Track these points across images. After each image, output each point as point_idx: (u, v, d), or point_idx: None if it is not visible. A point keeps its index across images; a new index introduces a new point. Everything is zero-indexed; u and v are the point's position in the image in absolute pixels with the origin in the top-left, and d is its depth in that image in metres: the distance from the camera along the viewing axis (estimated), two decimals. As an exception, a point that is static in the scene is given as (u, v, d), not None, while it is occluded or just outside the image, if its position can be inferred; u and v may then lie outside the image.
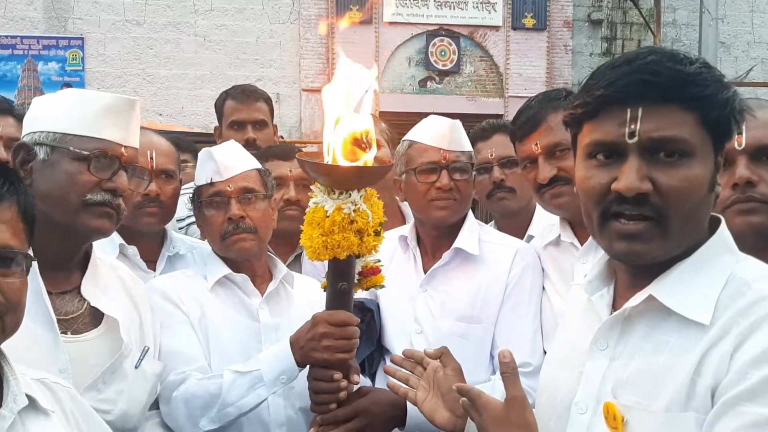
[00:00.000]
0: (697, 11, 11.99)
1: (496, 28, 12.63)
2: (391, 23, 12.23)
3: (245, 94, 3.30)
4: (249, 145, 2.88)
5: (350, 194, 1.67)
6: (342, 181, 1.66)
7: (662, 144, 1.11)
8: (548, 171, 2.00)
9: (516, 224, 2.60)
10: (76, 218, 1.65)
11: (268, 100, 3.37)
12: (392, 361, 1.78)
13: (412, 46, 12.45)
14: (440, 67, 12.50)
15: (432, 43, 12.46)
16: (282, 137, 9.37)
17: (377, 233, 1.73)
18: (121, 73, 11.55)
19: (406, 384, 1.70)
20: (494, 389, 1.89)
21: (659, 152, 1.11)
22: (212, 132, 3.47)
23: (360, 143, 1.66)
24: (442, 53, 12.52)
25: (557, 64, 12.84)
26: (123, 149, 1.70)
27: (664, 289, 1.15)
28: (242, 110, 3.24)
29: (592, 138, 1.17)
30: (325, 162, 1.66)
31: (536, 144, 2.02)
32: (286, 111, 11.62)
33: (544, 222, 2.70)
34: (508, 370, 1.35)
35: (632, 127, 1.11)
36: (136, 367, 1.75)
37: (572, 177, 1.95)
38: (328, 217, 1.66)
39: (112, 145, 1.68)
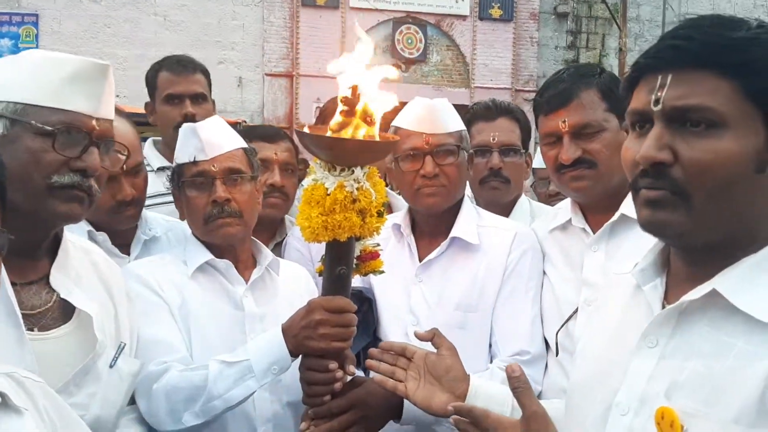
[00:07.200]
0: (661, 8, 12.15)
1: (463, 17, 12.59)
2: (357, 9, 12.09)
3: (181, 65, 3.00)
4: (188, 120, 2.56)
5: (353, 171, 1.57)
6: (345, 156, 1.55)
7: (685, 113, 1.03)
8: (572, 151, 1.86)
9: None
10: (40, 203, 1.46)
11: (205, 72, 3.07)
12: (370, 355, 1.69)
13: (378, 33, 12.30)
14: (406, 55, 12.41)
15: (399, 31, 12.36)
16: (245, 122, 9.16)
17: (380, 214, 1.63)
18: (76, 52, 10.92)
19: (393, 378, 1.63)
20: (492, 377, 1.82)
21: (685, 122, 1.03)
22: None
23: (365, 117, 1.55)
24: (409, 41, 12.42)
25: (523, 56, 12.88)
26: (94, 122, 1.49)
27: (730, 284, 1.04)
28: (179, 83, 2.94)
29: (630, 107, 1.12)
30: (327, 135, 1.54)
31: (564, 121, 1.87)
32: (248, 95, 11.40)
33: (525, 214, 2.59)
34: (520, 385, 1.28)
35: (658, 94, 1.04)
36: (111, 366, 1.57)
37: (596, 160, 1.87)
38: (329, 195, 1.55)
39: (80, 117, 1.48)
